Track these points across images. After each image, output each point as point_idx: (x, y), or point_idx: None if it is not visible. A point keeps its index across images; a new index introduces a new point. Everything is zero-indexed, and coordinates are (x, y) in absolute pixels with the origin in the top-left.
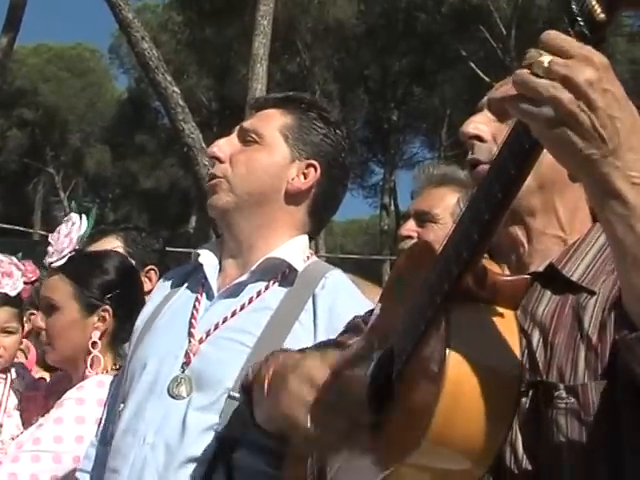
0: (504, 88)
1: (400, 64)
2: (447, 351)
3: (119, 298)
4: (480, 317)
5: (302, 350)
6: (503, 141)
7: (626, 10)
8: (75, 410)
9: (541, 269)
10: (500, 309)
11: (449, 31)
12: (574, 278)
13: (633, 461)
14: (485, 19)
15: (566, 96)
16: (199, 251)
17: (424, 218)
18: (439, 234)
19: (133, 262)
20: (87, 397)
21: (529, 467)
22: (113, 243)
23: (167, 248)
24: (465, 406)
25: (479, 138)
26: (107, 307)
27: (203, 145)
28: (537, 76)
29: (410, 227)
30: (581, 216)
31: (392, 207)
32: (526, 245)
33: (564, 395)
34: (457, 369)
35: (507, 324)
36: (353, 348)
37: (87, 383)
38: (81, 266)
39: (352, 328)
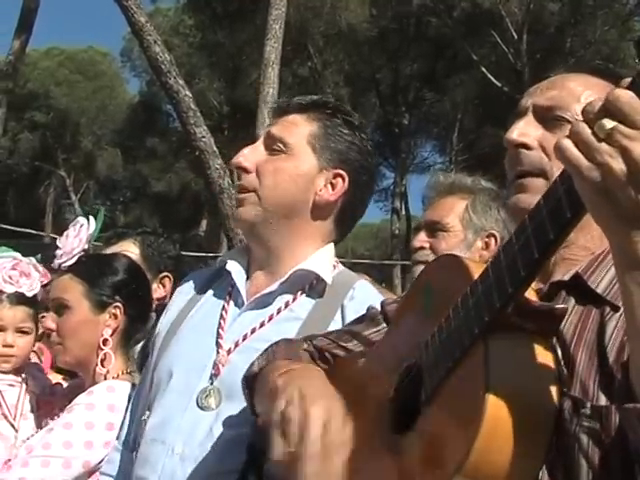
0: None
1: (411, 68)
2: (486, 389)
3: (130, 296)
4: (519, 350)
5: (308, 338)
6: (560, 175)
7: None
8: (85, 415)
9: (567, 278)
10: (538, 339)
11: (460, 35)
12: (599, 290)
13: None
14: (496, 23)
15: (619, 167)
16: (226, 259)
17: (435, 228)
18: (451, 242)
19: (148, 267)
20: (97, 402)
21: (545, 476)
22: (129, 247)
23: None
24: (501, 443)
25: (525, 146)
26: (118, 304)
27: (214, 149)
28: (597, 137)
29: (422, 238)
30: None
31: (403, 211)
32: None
33: (588, 413)
34: (495, 409)
35: (545, 355)
36: (374, 351)
37: (97, 388)
38: (90, 266)
39: (369, 318)
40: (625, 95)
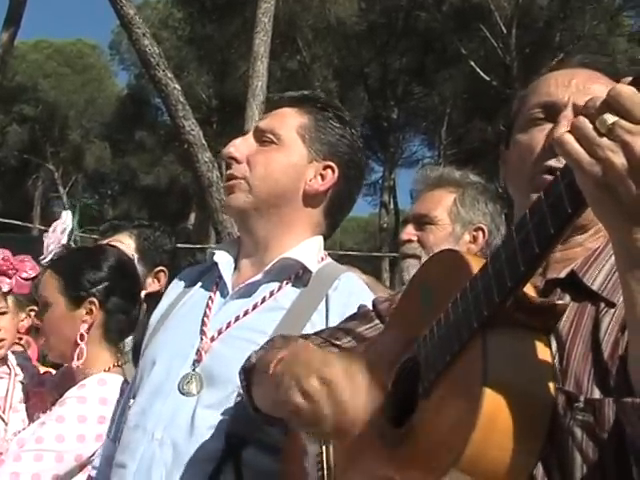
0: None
1: (400, 62)
2: (483, 384)
3: (107, 290)
4: (517, 344)
5: (305, 336)
6: (562, 170)
7: None
8: (77, 409)
9: (562, 275)
10: (537, 335)
11: (449, 30)
12: (594, 287)
13: None
14: (485, 18)
15: (620, 161)
16: (214, 250)
17: (423, 221)
18: (439, 235)
19: (143, 261)
20: (89, 395)
21: (539, 475)
22: (125, 240)
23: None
24: (499, 437)
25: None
26: (93, 299)
27: (203, 142)
28: (598, 131)
29: (410, 231)
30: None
31: (391, 205)
32: None
33: (582, 406)
34: (492, 403)
35: (543, 351)
36: (372, 346)
37: (88, 381)
38: (69, 261)
39: (361, 315)
40: (627, 90)
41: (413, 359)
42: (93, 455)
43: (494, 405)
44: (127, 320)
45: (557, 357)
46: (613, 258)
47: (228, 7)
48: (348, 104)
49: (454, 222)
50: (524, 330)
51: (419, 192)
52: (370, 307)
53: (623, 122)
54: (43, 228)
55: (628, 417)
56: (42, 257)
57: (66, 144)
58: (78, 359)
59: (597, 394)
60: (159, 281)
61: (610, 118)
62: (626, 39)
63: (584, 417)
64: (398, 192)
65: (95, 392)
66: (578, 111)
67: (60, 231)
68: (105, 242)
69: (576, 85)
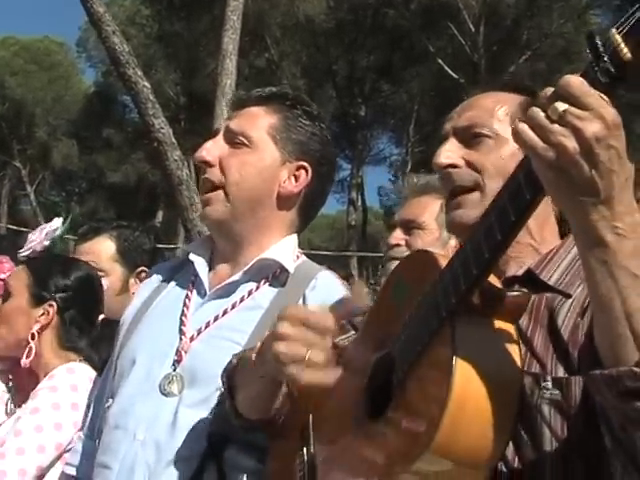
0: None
1: (368, 60)
2: (454, 366)
3: (69, 300)
4: (484, 331)
5: None
6: (520, 162)
7: None
8: (49, 398)
9: (520, 273)
10: (503, 323)
11: (417, 27)
12: (551, 282)
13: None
14: (453, 16)
15: (572, 145)
16: (188, 248)
17: (411, 226)
18: (426, 240)
19: (124, 263)
20: (59, 384)
21: (510, 453)
22: (105, 242)
23: None
24: (469, 420)
25: (453, 166)
26: (53, 302)
27: (173, 140)
28: (550, 119)
29: (398, 235)
30: (549, 228)
31: (359, 202)
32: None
33: (550, 386)
34: (463, 384)
35: (509, 338)
36: (350, 346)
37: (57, 372)
38: (44, 262)
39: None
40: (575, 80)
41: (388, 354)
42: (70, 444)
43: (464, 388)
44: (80, 336)
45: (521, 344)
46: (569, 258)
47: (196, 4)
48: (316, 101)
49: (441, 227)
50: (491, 318)
51: (405, 199)
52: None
53: (573, 109)
54: (10, 226)
55: (597, 387)
56: (21, 252)
57: (33, 142)
58: (27, 357)
59: (561, 372)
60: (141, 281)
61: (561, 106)
62: None
63: (552, 395)
64: (366, 189)
65: (65, 380)
66: (458, 132)
67: (45, 234)
68: (86, 245)
69: (461, 109)
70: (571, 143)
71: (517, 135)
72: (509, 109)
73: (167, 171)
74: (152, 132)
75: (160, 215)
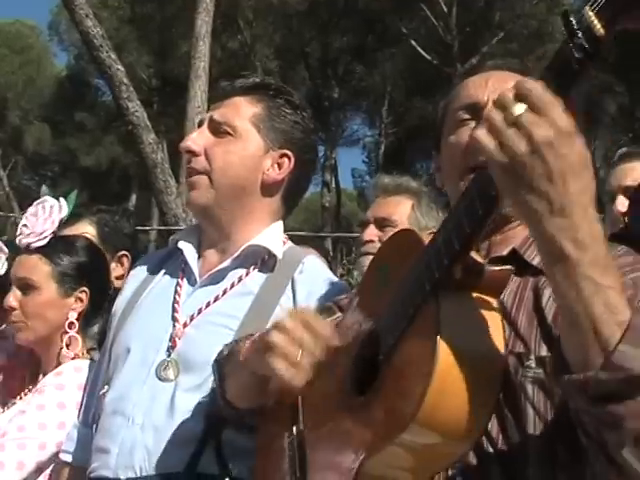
0: None
1: (341, 41)
2: (438, 339)
3: (94, 281)
4: (468, 305)
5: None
6: None
7: (625, 26)
8: (56, 396)
9: (505, 253)
10: (485, 297)
11: (390, 9)
12: (534, 262)
13: None
14: None
15: (523, 149)
16: (177, 237)
17: (384, 223)
18: None
19: (105, 247)
20: (66, 383)
21: (495, 432)
22: (86, 228)
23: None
24: (453, 391)
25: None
26: (85, 289)
27: (147, 123)
28: (506, 121)
29: (372, 232)
30: None
31: (333, 184)
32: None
33: (533, 365)
34: (446, 356)
35: (492, 312)
36: (338, 325)
37: (65, 368)
38: (58, 248)
39: (325, 310)
40: (533, 84)
41: (375, 330)
42: None
43: (447, 362)
44: (103, 309)
45: (505, 324)
46: None
47: None
48: (289, 83)
49: (412, 226)
50: (474, 292)
51: (378, 197)
52: (332, 301)
53: (527, 114)
54: None
55: (568, 392)
56: (32, 241)
57: (5, 126)
58: (69, 348)
59: (544, 351)
60: (122, 265)
61: (518, 109)
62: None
63: (535, 374)
64: (340, 171)
65: (72, 379)
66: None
67: (56, 217)
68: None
69: (492, 84)
70: (522, 147)
71: (474, 138)
72: None
73: (142, 154)
74: (126, 115)
75: (134, 198)
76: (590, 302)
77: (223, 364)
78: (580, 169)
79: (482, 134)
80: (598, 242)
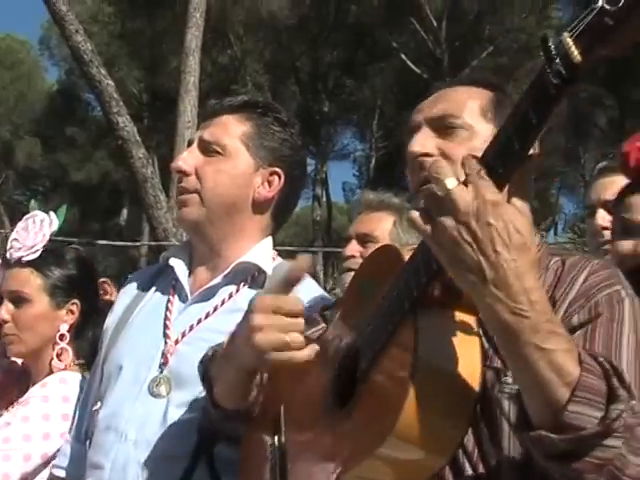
0: None
1: (331, 56)
2: (416, 355)
3: (84, 293)
4: (446, 322)
5: None
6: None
7: (602, 54)
8: (41, 408)
9: None
10: (464, 315)
11: (380, 23)
12: None
13: None
14: (416, 11)
15: (450, 223)
16: (168, 254)
17: (366, 239)
18: None
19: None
20: (51, 394)
21: (471, 446)
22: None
23: (98, 241)
24: (430, 406)
25: (427, 155)
26: (76, 301)
27: (138, 138)
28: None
29: (354, 247)
30: None
31: (324, 198)
32: None
33: (510, 381)
34: (423, 372)
35: (470, 329)
36: (320, 338)
37: (50, 380)
38: (48, 261)
39: (308, 321)
40: (471, 159)
41: (355, 345)
42: (57, 452)
43: (424, 380)
44: (93, 322)
45: (484, 340)
46: None
47: (158, 2)
48: (280, 98)
49: (393, 242)
50: (452, 310)
51: (360, 212)
52: (316, 312)
53: (458, 188)
54: None
55: (530, 446)
56: (23, 254)
57: None
58: (60, 359)
59: None
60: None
61: (450, 183)
62: (554, 31)
63: (511, 390)
64: (330, 185)
65: (57, 390)
66: (430, 122)
67: (47, 231)
68: None
69: (431, 101)
70: (448, 221)
71: (410, 222)
72: (481, 103)
73: (132, 169)
74: (116, 130)
75: (125, 213)
76: (536, 367)
77: (208, 366)
78: (508, 239)
79: (414, 215)
80: (538, 307)
